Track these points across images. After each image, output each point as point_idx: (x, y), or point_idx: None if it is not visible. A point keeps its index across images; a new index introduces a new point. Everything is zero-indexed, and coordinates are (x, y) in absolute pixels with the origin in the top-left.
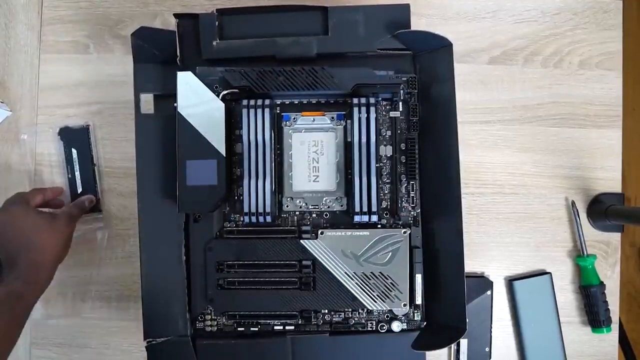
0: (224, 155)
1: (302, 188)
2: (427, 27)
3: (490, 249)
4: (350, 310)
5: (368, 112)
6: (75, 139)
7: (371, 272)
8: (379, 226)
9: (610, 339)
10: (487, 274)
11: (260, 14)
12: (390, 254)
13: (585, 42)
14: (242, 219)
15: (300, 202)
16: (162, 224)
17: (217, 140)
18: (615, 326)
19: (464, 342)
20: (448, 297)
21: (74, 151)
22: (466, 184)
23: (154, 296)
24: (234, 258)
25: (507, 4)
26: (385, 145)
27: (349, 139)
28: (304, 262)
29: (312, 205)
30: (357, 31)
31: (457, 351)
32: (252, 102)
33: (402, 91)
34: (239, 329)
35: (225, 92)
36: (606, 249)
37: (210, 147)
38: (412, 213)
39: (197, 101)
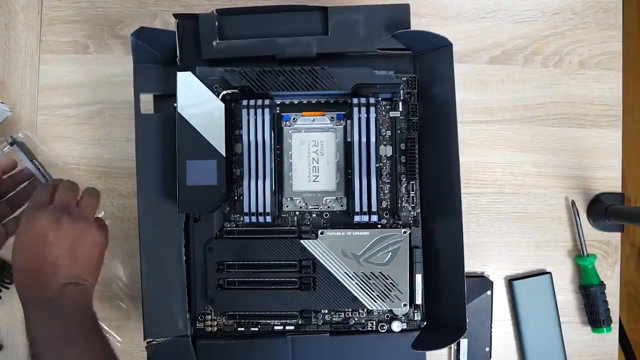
0: (224, 155)
1: (302, 188)
2: (427, 27)
3: (490, 249)
4: (350, 310)
5: (368, 112)
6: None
7: (371, 272)
8: (379, 226)
9: (610, 338)
10: (487, 274)
11: (260, 14)
12: (390, 254)
13: (585, 42)
14: (242, 219)
15: (300, 202)
16: (162, 224)
17: (217, 140)
18: (615, 326)
19: (464, 342)
20: (448, 297)
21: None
22: (466, 184)
23: (154, 296)
24: (234, 258)
25: (507, 4)
26: (385, 145)
27: (348, 139)
28: (304, 262)
29: (312, 205)
30: (357, 31)
31: (457, 351)
32: (252, 102)
33: (402, 91)
34: (239, 329)
35: (225, 92)
36: (606, 249)
37: (210, 147)
38: (412, 213)
39: (197, 101)
